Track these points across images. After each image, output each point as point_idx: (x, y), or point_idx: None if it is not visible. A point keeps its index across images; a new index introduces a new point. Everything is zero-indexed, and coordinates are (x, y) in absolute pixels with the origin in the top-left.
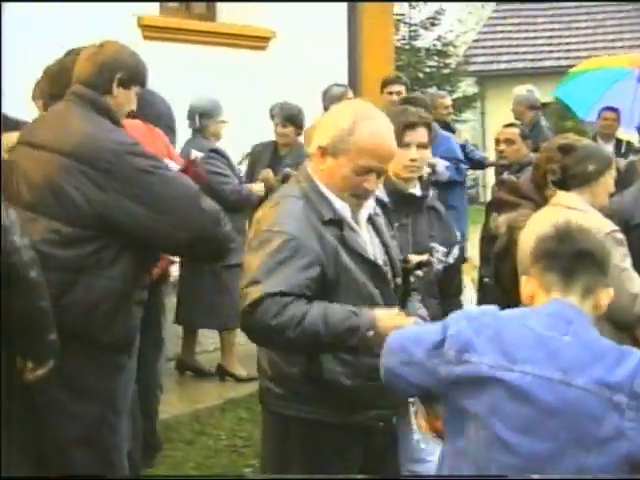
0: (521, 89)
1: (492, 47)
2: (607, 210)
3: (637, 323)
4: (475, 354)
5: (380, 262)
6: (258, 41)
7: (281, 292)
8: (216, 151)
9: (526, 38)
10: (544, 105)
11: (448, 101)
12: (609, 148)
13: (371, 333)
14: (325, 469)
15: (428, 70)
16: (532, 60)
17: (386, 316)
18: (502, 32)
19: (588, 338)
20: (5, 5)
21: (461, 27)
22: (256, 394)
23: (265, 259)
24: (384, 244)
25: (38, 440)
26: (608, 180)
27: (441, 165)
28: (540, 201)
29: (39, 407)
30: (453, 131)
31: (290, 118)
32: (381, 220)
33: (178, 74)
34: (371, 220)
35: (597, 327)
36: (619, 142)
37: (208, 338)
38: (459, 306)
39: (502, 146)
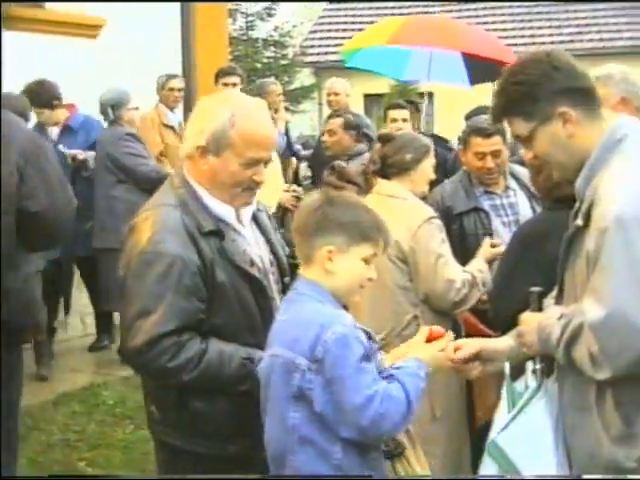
0: (335, 80)
1: (328, 38)
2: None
3: (453, 308)
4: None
5: (266, 263)
6: (88, 29)
7: (177, 329)
8: (132, 135)
9: (360, 30)
10: (379, 95)
11: (279, 88)
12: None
13: None
14: None
15: (265, 61)
16: None
17: None
18: (337, 23)
19: (297, 314)
20: None
21: (297, 18)
22: (89, 387)
23: (152, 286)
24: (269, 241)
25: None
26: (426, 168)
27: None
28: (364, 186)
29: None
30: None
31: None
32: (264, 216)
33: (7, 62)
34: (255, 218)
35: (419, 311)
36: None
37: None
38: None
39: (325, 137)
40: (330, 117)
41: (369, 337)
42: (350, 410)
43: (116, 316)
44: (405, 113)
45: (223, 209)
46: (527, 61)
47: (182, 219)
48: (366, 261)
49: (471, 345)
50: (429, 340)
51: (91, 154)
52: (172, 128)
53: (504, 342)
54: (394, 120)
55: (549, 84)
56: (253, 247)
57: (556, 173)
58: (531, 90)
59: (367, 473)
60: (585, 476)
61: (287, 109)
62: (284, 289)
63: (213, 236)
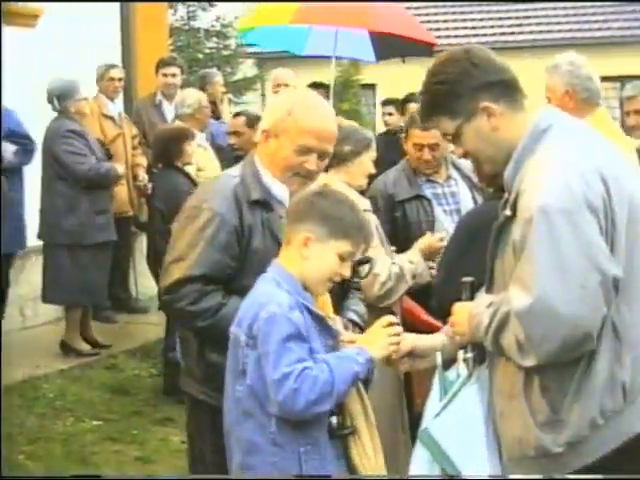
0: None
1: None
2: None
3: (377, 302)
4: None
5: None
6: (26, 19)
7: (203, 276)
8: (73, 131)
9: None
10: (321, 86)
11: (222, 79)
12: None
13: None
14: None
15: (208, 51)
16: None
17: None
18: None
19: (251, 294)
20: None
21: (239, 9)
22: (29, 380)
23: (190, 237)
24: None
25: None
26: (365, 161)
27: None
28: None
29: None
30: (218, 115)
31: None
32: None
33: None
34: None
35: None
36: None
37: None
38: None
39: (232, 139)
40: (234, 117)
41: (321, 321)
42: (270, 385)
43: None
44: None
45: (278, 188)
46: (446, 60)
47: (235, 187)
48: (342, 257)
49: (403, 344)
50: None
51: (11, 148)
52: (112, 118)
53: (437, 339)
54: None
55: (469, 81)
56: None
57: (486, 167)
58: (452, 88)
59: (303, 449)
60: (511, 476)
61: (230, 100)
62: None
63: (260, 207)
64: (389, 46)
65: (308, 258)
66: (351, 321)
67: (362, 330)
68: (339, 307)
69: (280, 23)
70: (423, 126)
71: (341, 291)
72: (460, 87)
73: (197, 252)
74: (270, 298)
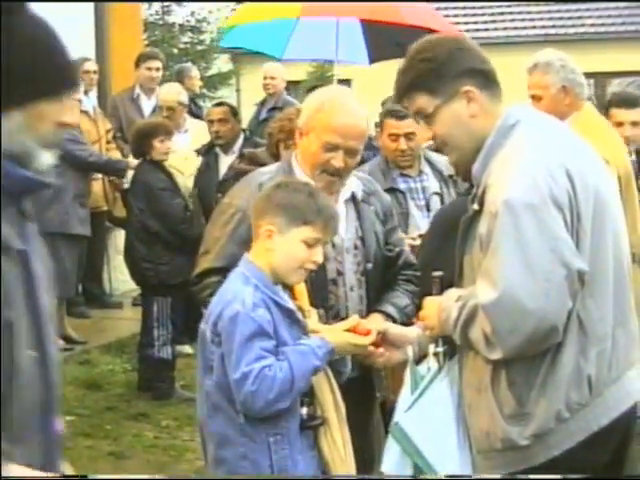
0: (272, 65)
1: None
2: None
3: None
4: None
5: (346, 243)
6: None
7: (222, 268)
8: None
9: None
10: (296, 82)
11: (198, 74)
12: None
13: None
14: None
15: (182, 46)
16: None
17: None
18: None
19: (220, 291)
20: None
21: (214, 4)
22: None
23: (217, 230)
24: (362, 228)
25: None
26: None
27: None
28: None
29: None
30: (200, 107)
31: None
32: (369, 208)
33: None
34: (355, 203)
35: None
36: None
37: None
38: None
39: (216, 126)
40: (216, 106)
41: (291, 314)
42: (232, 384)
43: None
44: None
45: (310, 182)
46: (435, 40)
47: (262, 183)
48: (308, 244)
49: (377, 322)
50: (352, 330)
51: None
52: (86, 113)
53: (413, 331)
54: None
55: (455, 63)
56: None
57: (453, 155)
58: (438, 67)
59: (272, 439)
60: (475, 476)
61: (205, 95)
62: (364, 272)
63: None
64: (384, 46)
65: (274, 250)
66: (387, 315)
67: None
68: (381, 299)
69: (288, 16)
70: (399, 115)
71: (381, 283)
72: (446, 67)
73: (220, 245)
74: (235, 296)
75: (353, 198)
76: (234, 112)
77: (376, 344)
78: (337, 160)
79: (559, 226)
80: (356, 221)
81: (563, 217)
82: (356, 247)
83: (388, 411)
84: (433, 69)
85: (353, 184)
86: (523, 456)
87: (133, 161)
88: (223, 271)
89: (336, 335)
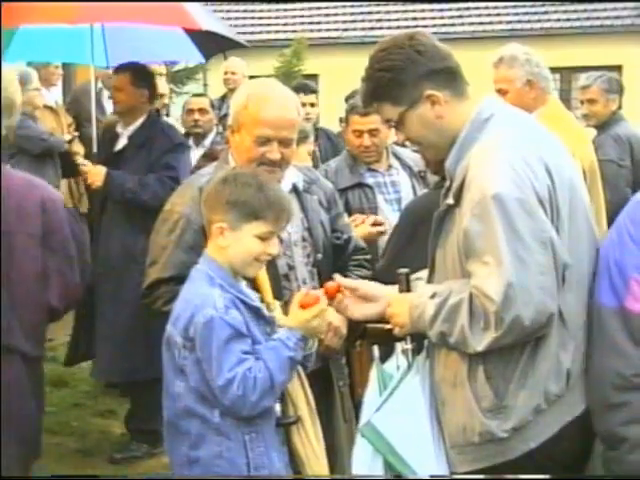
0: (234, 59)
1: None
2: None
3: None
4: None
5: (293, 237)
6: None
7: (173, 278)
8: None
9: (245, 11)
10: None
11: (164, 69)
12: None
13: None
14: None
15: None
16: (251, 33)
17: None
18: (221, 3)
19: (185, 292)
20: None
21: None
22: None
23: (161, 240)
24: (308, 219)
25: None
26: (301, 154)
27: None
28: None
29: None
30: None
31: None
32: (312, 198)
33: None
34: (297, 194)
35: None
36: None
37: None
38: None
39: (196, 115)
40: (195, 96)
41: (257, 311)
42: (215, 389)
43: None
44: (313, 97)
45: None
46: (390, 46)
47: (202, 185)
48: (261, 238)
49: (346, 281)
50: (304, 306)
51: None
52: (50, 108)
53: (384, 288)
54: (302, 105)
55: (414, 68)
56: None
57: (429, 153)
58: (397, 75)
59: (248, 437)
60: (456, 476)
61: (172, 90)
62: (315, 263)
63: None
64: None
65: (228, 246)
66: None
67: None
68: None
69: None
70: (363, 112)
71: (333, 272)
72: (404, 75)
73: (167, 254)
74: (205, 300)
75: (295, 189)
76: (212, 104)
77: (331, 295)
78: (272, 153)
79: (546, 219)
80: (301, 213)
81: (544, 212)
82: (304, 239)
83: (357, 404)
84: (391, 79)
85: (293, 175)
86: (501, 449)
87: (67, 136)
88: (174, 280)
89: (295, 319)
